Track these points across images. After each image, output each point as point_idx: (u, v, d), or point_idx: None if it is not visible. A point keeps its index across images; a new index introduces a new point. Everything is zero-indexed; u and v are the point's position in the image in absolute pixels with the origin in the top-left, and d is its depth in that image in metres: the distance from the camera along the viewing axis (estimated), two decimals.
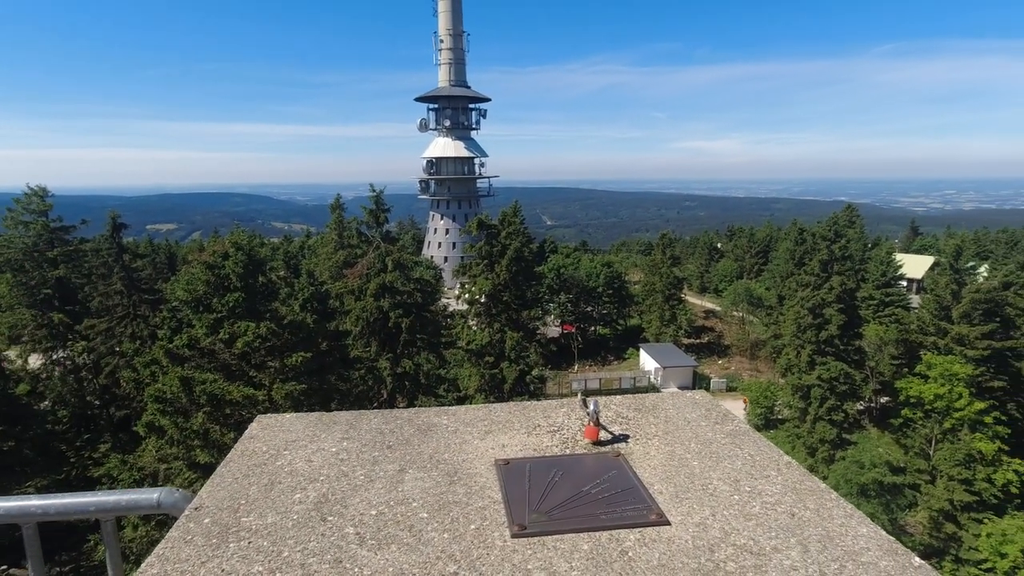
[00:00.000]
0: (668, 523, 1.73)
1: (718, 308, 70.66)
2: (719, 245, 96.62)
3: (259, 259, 21.09)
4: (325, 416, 2.51)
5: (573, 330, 60.21)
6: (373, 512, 1.81)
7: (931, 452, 35.68)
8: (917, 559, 1.54)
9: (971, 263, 52.73)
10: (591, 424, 2.24)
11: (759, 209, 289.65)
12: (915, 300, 58.81)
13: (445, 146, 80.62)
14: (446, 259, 78.46)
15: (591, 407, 2.25)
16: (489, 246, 32.28)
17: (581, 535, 1.70)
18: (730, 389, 52.18)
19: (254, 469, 2.07)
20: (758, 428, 45.33)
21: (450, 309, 39.53)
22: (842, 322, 40.98)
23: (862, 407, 46.75)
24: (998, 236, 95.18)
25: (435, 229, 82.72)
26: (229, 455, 2.17)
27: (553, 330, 59.79)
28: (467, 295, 32.94)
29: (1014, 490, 32.93)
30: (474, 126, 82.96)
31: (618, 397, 2.64)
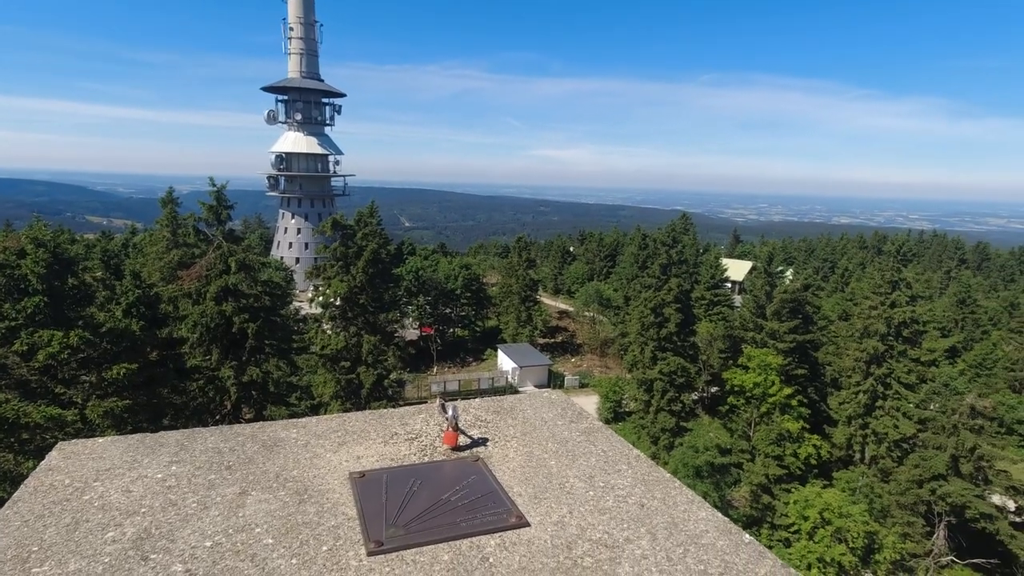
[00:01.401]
0: (528, 524, 1.73)
1: (571, 309, 74.36)
2: (572, 249, 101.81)
3: (67, 258, 18.34)
4: (149, 438, 2.18)
5: (432, 332, 59.91)
6: (208, 544, 1.60)
7: (751, 434, 40.51)
8: (747, 536, 1.69)
9: (780, 267, 60.82)
10: (450, 429, 2.19)
11: (607, 215, 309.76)
12: (738, 300, 66.53)
13: (296, 141, 76.08)
14: (298, 260, 74.10)
15: (449, 412, 2.20)
16: (345, 247, 31.03)
17: (441, 546, 1.64)
18: (583, 385, 55.13)
19: (52, 507, 1.72)
20: (608, 421, 48.39)
21: (303, 313, 37.39)
22: (679, 320, 45.10)
23: (696, 397, 51.79)
24: (799, 244, 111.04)
25: (285, 228, 77.76)
26: (17, 493, 1.78)
27: (412, 333, 59.03)
28: (321, 298, 31.37)
29: (813, 462, 38.48)
30: (328, 122, 79.24)
31: (477, 400, 2.62)
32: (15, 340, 16.00)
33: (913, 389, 39.58)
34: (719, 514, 1.81)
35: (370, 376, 30.15)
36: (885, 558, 33.41)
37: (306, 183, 77.88)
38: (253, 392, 26.17)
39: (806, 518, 33.17)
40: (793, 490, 35.97)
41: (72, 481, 1.90)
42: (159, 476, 1.95)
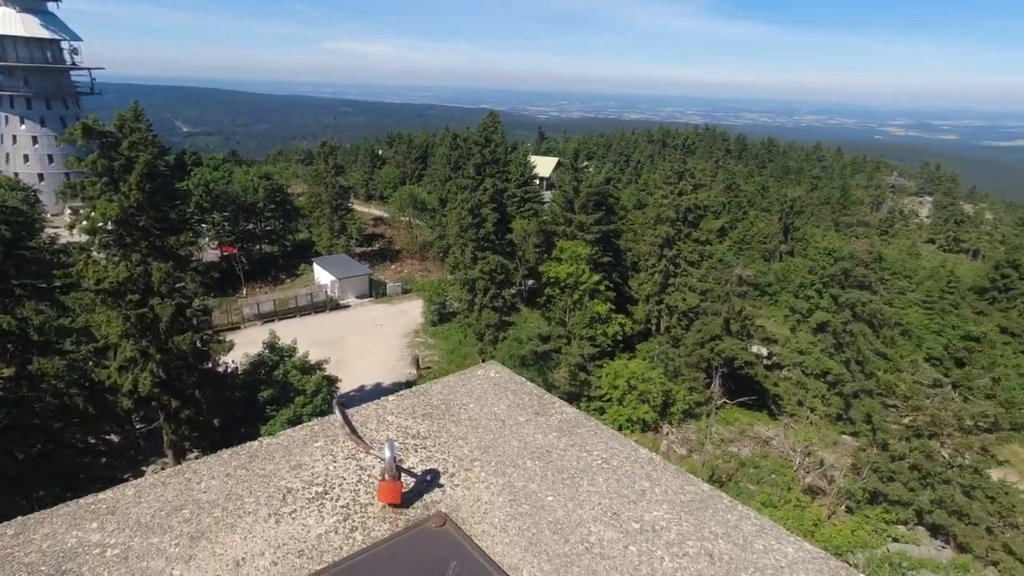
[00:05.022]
0: None
1: (386, 215, 71.76)
2: (380, 152, 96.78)
3: None
4: None
5: (235, 251, 53.98)
6: None
7: (567, 320, 43.95)
8: (859, 574, 1.23)
9: (585, 163, 64.25)
10: (388, 478, 1.32)
11: (414, 115, 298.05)
12: (547, 195, 69.45)
13: (5, 19, 59.12)
14: (41, 177, 60.46)
15: (388, 453, 1.31)
16: (107, 159, 25.35)
17: None
18: (406, 291, 54.58)
19: None
20: (434, 324, 48.93)
21: (62, 241, 30.79)
22: (496, 220, 45.83)
23: (515, 291, 54.30)
24: (599, 140, 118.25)
25: (15, 137, 61.97)
26: None
27: (211, 254, 52.57)
28: (86, 223, 25.76)
29: (620, 338, 43.25)
30: None
31: (392, 400, 1.76)
32: None
33: (696, 266, 45.54)
34: (806, 544, 1.31)
35: (167, 308, 26.15)
36: (678, 409, 39.63)
37: (33, 78, 61.93)
38: (8, 345, 21.26)
39: (616, 387, 37.74)
40: (604, 365, 40.31)
41: None
42: None
